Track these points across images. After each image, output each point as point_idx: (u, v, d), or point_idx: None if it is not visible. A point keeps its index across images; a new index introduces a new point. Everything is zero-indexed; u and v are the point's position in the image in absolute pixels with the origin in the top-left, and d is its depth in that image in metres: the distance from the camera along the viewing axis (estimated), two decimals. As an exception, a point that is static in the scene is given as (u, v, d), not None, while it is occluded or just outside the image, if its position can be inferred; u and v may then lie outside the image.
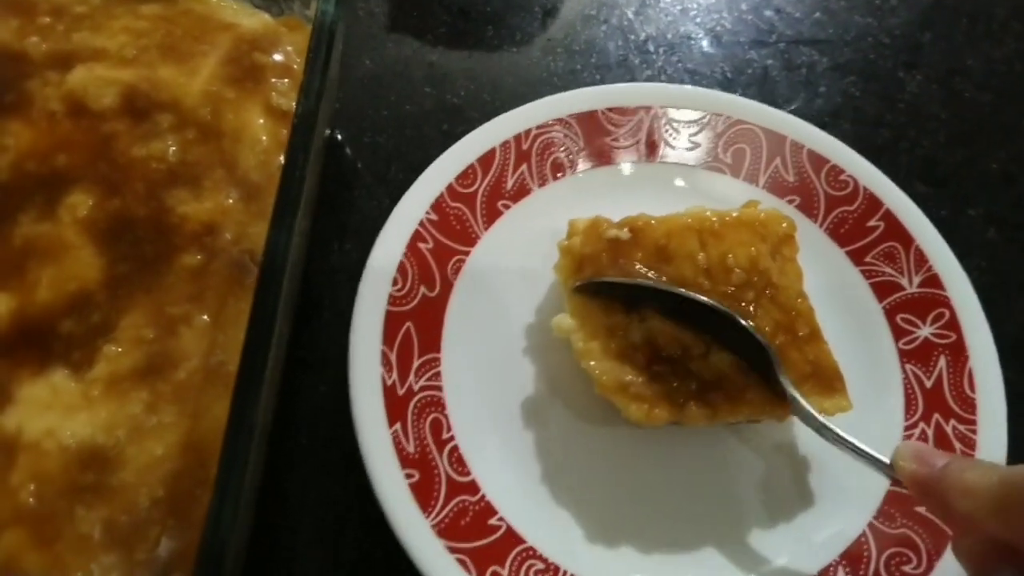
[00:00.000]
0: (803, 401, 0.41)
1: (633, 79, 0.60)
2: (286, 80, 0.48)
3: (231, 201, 0.44)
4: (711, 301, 0.43)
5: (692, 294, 0.43)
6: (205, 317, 0.40)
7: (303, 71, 0.40)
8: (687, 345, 0.43)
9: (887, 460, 0.37)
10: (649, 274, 0.44)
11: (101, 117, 0.45)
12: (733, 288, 0.44)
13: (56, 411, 0.38)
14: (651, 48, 0.62)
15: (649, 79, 0.60)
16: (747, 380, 0.42)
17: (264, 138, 0.46)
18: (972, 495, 0.32)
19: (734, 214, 0.46)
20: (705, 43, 0.63)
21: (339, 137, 0.57)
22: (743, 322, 0.42)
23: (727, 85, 0.61)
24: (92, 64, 0.47)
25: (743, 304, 0.43)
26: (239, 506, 0.31)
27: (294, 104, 0.47)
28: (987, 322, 0.48)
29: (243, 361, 0.33)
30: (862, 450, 0.39)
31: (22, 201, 0.43)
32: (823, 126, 0.59)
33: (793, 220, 0.46)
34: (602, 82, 0.60)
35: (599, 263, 0.44)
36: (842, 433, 0.39)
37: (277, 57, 0.49)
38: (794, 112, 0.60)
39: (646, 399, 0.42)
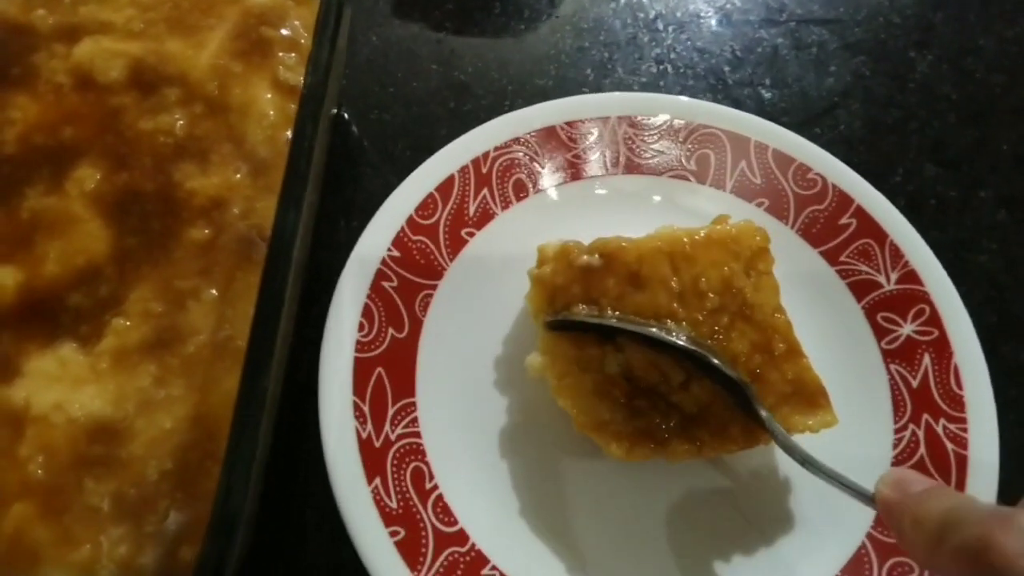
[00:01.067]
0: (784, 434, 0.39)
1: (641, 57, 0.60)
2: (293, 55, 0.48)
3: (239, 176, 0.43)
4: (682, 343, 0.41)
5: (663, 335, 0.41)
6: (213, 291, 0.40)
7: (311, 45, 0.40)
8: (666, 373, 0.41)
9: (871, 491, 0.36)
10: (622, 302, 0.42)
11: (108, 90, 0.45)
12: (707, 313, 0.42)
13: (64, 384, 0.38)
14: (660, 26, 0.62)
15: (658, 57, 0.60)
16: (731, 412, 0.41)
17: (271, 112, 0.46)
18: (919, 525, 0.31)
19: (704, 232, 0.44)
20: (715, 21, 0.62)
21: (346, 115, 0.56)
22: (715, 361, 0.40)
23: (736, 64, 0.60)
24: (99, 37, 0.46)
25: (717, 329, 0.42)
26: (250, 478, 0.31)
27: (301, 79, 0.47)
28: (968, 315, 0.47)
29: (253, 333, 0.33)
30: (846, 482, 0.37)
31: (29, 174, 0.42)
32: (833, 106, 0.59)
33: (766, 231, 0.44)
34: (610, 59, 0.60)
35: (570, 294, 0.42)
36: (825, 466, 0.38)
37: (284, 31, 0.48)
38: (804, 91, 0.59)
39: (626, 436, 0.41)
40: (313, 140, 0.37)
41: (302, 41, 0.48)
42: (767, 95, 0.59)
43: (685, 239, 0.43)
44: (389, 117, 0.56)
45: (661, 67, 0.60)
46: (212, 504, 0.35)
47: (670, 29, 0.61)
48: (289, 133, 0.45)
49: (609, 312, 0.42)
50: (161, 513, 0.36)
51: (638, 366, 0.41)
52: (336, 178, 0.53)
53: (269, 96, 0.46)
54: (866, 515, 0.43)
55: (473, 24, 0.60)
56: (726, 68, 0.60)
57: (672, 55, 0.60)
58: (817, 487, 0.43)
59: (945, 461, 0.44)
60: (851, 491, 0.37)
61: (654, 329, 0.41)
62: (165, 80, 0.45)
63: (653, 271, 0.42)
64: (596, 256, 0.43)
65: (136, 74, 0.45)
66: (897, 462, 0.45)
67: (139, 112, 0.45)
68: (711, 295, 0.42)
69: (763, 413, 0.40)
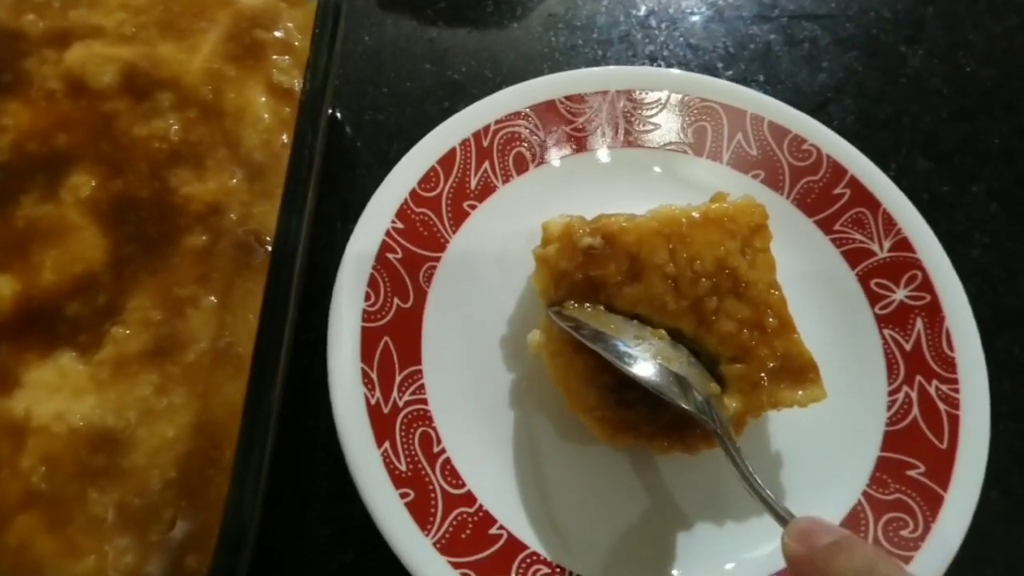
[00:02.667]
0: (736, 452, 0.39)
1: (635, 55, 0.60)
2: (287, 57, 0.47)
3: (235, 181, 0.43)
4: (647, 379, 0.40)
5: (628, 367, 0.40)
6: (212, 298, 0.40)
7: (310, 47, 0.40)
8: None
9: (786, 518, 0.35)
10: (620, 292, 0.43)
11: (101, 95, 0.44)
12: (697, 298, 0.42)
13: (64, 394, 0.38)
14: (653, 23, 0.62)
15: (651, 54, 0.60)
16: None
17: (266, 116, 0.45)
18: None
19: (702, 212, 0.44)
20: (707, 18, 0.62)
21: (339, 116, 0.56)
22: (680, 403, 0.40)
23: (729, 60, 0.60)
24: (90, 42, 0.46)
25: (704, 314, 0.42)
26: (259, 489, 0.31)
27: (296, 82, 0.47)
28: (959, 280, 0.48)
29: (258, 345, 0.33)
30: (772, 503, 0.37)
31: (23, 182, 0.42)
32: (826, 101, 0.59)
33: (765, 208, 0.45)
34: (604, 57, 0.60)
35: (573, 280, 0.43)
36: (757, 483, 0.38)
37: (277, 34, 0.48)
38: (796, 87, 0.60)
39: (610, 424, 0.42)
40: (314, 147, 0.37)
41: (296, 44, 0.48)
42: (760, 91, 0.59)
43: (683, 219, 0.44)
44: (383, 118, 0.56)
45: (655, 64, 0.60)
46: (219, 513, 0.35)
47: (663, 26, 0.61)
48: (285, 137, 0.45)
49: (602, 309, 0.43)
50: (166, 522, 0.36)
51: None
52: (331, 180, 0.53)
53: (263, 100, 0.46)
54: (862, 477, 0.44)
55: (466, 23, 0.60)
56: (719, 64, 0.60)
57: (665, 52, 0.60)
58: (811, 460, 0.44)
59: (938, 421, 0.45)
60: (774, 513, 0.36)
61: (618, 360, 0.41)
62: (158, 85, 0.45)
63: (651, 256, 0.43)
64: (598, 237, 0.43)
65: (128, 79, 0.45)
66: (891, 423, 0.46)
67: (133, 118, 0.44)
68: (703, 280, 0.43)
69: (721, 428, 0.40)
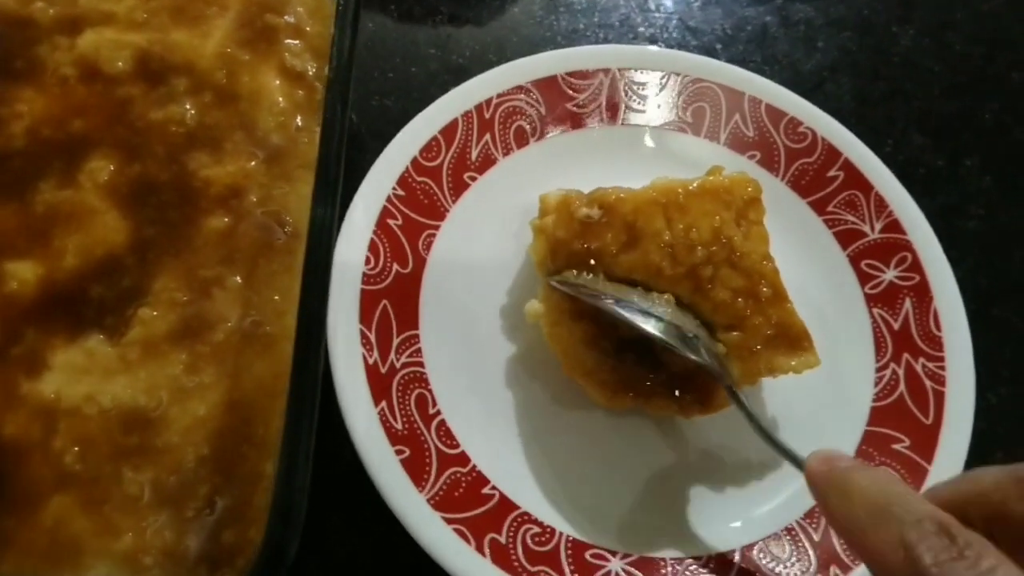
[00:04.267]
0: (743, 398, 0.41)
1: (635, 37, 0.61)
2: (298, 42, 0.48)
3: (253, 164, 0.43)
4: (658, 335, 0.41)
5: (636, 320, 0.42)
6: (237, 278, 0.40)
7: (332, 26, 0.40)
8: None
9: (801, 460, 0.37)
10: (617, 260, 0.44)
11: (115, 81, 0.45)
12: (694, 266, 0.43)
13: (94, 376, 0.38)
14: (652, 6, 0.63)
15: (651, 37, 0.61)
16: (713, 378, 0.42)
17: (280, 100, 0.46)
18: (846, 498, 0.31)
19: (698, 183, 0.45)
20: (705, 1, 0.63)
21: (346, 101, 0.56)
22: (691, 356, 0.41)
23: (728, 42, 0.61)
24: (102, 28, 0.46)
25: (700, 281, 0.44)
26: (309, 455, 0.31)
27: (308, 66, 0.47)
28: (948, 262, 0.50)
29: (301, 316, 0.33)
30: (783, 447, 0.39)
31: (41, 168, 0.42)
32: (822, 80, 0.60)
33: (759, 183, 0.46)
34: (605, 40, 0.60)
35: (571, 249, 0.44)
36: (769, 432, 0.39)
37: (288, 18, 0.48)
38: (793, 67, 0.61)
39: (609, 386, 0.43)
40: (343, 131, 0.37)
41: (307, 28, 0.48)
42: (758, 72, 0.60)
43: (679, 190, 0.45)
44: (390, 103, 0.56)
45: (655, 47, 0.61)
46: (254, 488, 0.36)
47: (662, 9, 0.62)
48: (299, 120, 0.45)
49: (602, 277, 0.44)
50: (201, 498, 0.36)
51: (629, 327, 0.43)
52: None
53: (278, 83, 0.46)
54: (848, 449, 0.46)
55: (469, 7, 0.61)
56: (718, 46, 0.61)
57: (665, 35, 0.61)
58: (799, 434, 0.44)
59: (924, 397, 0.47)
60: (789, 457, 0.38)
61: (628, 315, 0.42)
62: (172, 70, 0.45)
63: (648, 224, 0.44)
64: (596, 208, 0.44)
65: (142, 64, 0.45)
66: (878, 399, 0.47)
67: (148, 102, 0.44)
68: (700, 248, 0.44)
69: (728, 383, 0.42)
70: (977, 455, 0.44)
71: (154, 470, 0.36)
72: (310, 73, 0.47)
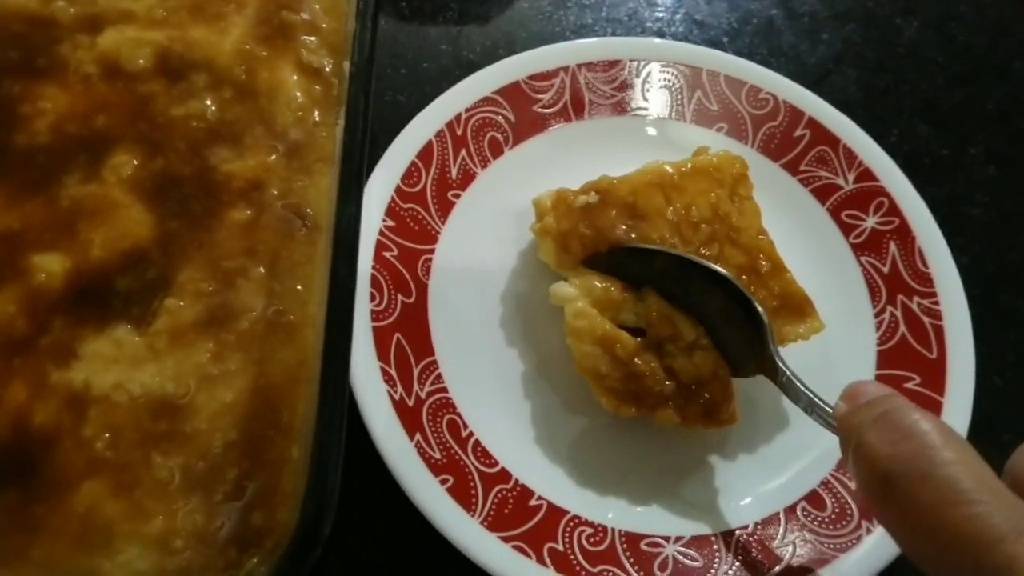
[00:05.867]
0: (796, 381, 0.40)
1: (643, 31, 0.62)
2: (314, 38, 0.49)
3: (273, 158, 0.44)
4: (715, 267, 0.43)
5: (693, 257, 0.43)
6: (261, 269, 0.41)
7: (348, 23, 0.41)
8: (678, 330, 0.43)
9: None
10: (630, 233, 0.45)
11: (137, 78, 0.45)
12: (701, 242, 0.45)
13: (122, 364, 0.39)
14: (659, 1, 0.63)
15: (659, 31, 0.62)
16: (724, 393, 0.43)
17: (298, 95, 0.47)
18: (860, 457, 0.30)
19: (689, 164, 0.47)
20: (710, -5, 0.64)
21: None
22: (745, 292, 0.42)
23: (734, 34, 0.62)
24: (122, 26, 0.47)
25: (709, 256, 0.45)
26: (341, 440, 0.32)
27: (325, 62, 0.48)
28: (922, 201, 0.51)
29: (331, 296, 0.34)
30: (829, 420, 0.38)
31: (66, 163, 0.43)
32: (828, 72, 0.61)
33: (744, 159, 0.47)
34: (613, 35, 0.61)
35: (581, 234, 0.45)
36: (826, 411, 0.38)
37: (304, 15, 0.49)
38: (799, 59, 0.62)
39: (617, 393, 0.43)
40: (367, 122, 0.38)
41: (323, 25, 0.49)
42: (764, 64, 0.61)
43: (671, 170, 0.46)
44: (403, 98, 0.57)
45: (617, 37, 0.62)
46: (281, 472, 0.37)
47: (668, 3, 0.63)
48: (317, 115, 0.46)
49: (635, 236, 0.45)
50: (230, 482, 0.37)
51: (654, 318, 0.44)
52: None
53: (295, 79, 0.47)
54: None
55: (479, 3, 0.62)
56: (724, 39, 0.62)
57: (672, 28, 0.62)
58: (816, 382, 0.43)
59: (924, 334, 0.48)
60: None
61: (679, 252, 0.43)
62: (192, 67, 0.46)
63: (648, 203, 0.45)
64: (592, 194, 0.45)
65: (163, 61, 0.46)
66: (881, 343, 0.48)
67: (169, 99, 0.45)
68: (703, 225, 0.45)
69: (775, 351, 0.41)
70: (984, 436, 0.45)
71: (183, 455, 0.37)
72: (327, 69, 0.47)
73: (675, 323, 0.44)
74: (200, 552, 0.36)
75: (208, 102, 0.45)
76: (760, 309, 0.42)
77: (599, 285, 0.45)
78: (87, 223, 0.42)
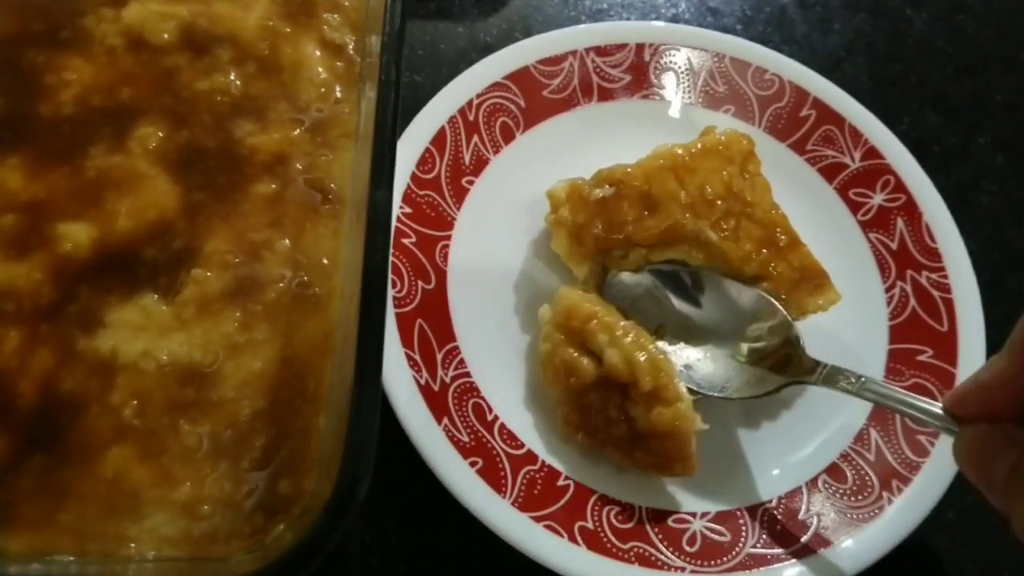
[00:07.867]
0: (847, 369, 0.42)
1: (658, 17, 0.62)
2: (336, 16, 0.49)
3: (297, 132, 0.45)
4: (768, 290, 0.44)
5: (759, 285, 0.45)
6: (286, 241, 0.41)
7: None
8: (635, 378, 0.42)
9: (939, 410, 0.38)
10: (643, 226, 0.45)
11: (161, 51, 0.46)
12: (717, 218, 0.45)
13: (150, 333, 0.39)
14: (673, -13, 0.64)
15: (674, 18, 0.62)
16: (680, 451, 0.42)
17: (321, 71, 0.47)
18: None
19: (699, 144, 0.47)
20: (723, -17, 0.65)
21: (376, 77, 0.57)
22: (771, 300, 0.44)
23: (748, 23, 0.63)
24: (146, 0, 0.47)
25: (727, 231, 0.45)
26: (376, 403, 0.32)
27: (347, 39, 0.48)
28: (928, 178, 0.52)
29: (366, 265, 0.34)
30: (922, 407, 0.39)
31: (91, 134, 0.43)
32: (840, 61, 0.62)
33: (751, 136, 0.48)
34: (629, 20, 0.62)
35: (594, 229, 0.45)
36: (907, 396, 0.40)
37: (326, -7, 0.49)
38: (811, 47, 0.62)
39: (570, 421, 0.44)
40: (398, 93, 0.38)
41: (345, 3, 0.49)
42: (777, 51, 0.61)
43: (682, 152, 0.46)
44: (421, 79, 0.57)
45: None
46: (308, 440, 0.37)
47: (683, -10, 0.64)
48: (339, 91, 0.47)
49: (643, 251, 0.46)
50: (257, 450, 0.37)
51: (620, 359, 0.42)
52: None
53: (318, 55, 0.47)
54: (877, 371, 0.48)
55: (493, -13, 0.62)
56: (738, 27, 0.63)
57: (687, 16, 0.63)
58: (833, 359, 0.44)
59: (934, 307, 0.49)
60: (925, 415, 0.39)
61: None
62: (216, 41, 0.46)
63: (662, 188, 0.45)
64: (607, 187, 0.45)
65: (187, 35, 0.46)
66: (893, 317, 0.49)
67: (193, 72, 0.45)
68: (718, 202, 0.45)
69: (805, 353, 0.43)
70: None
71: (211, 423, 0.37)
72: (349, 46, 0.48)
73: (634, 371, 0.42)
74: (227, 518, 0.36)
75: (232, 76, 0.45)
76: (789, 318, 0.43)
77: (592, 306, 0.45)
78: (113, 193, 0.42)
